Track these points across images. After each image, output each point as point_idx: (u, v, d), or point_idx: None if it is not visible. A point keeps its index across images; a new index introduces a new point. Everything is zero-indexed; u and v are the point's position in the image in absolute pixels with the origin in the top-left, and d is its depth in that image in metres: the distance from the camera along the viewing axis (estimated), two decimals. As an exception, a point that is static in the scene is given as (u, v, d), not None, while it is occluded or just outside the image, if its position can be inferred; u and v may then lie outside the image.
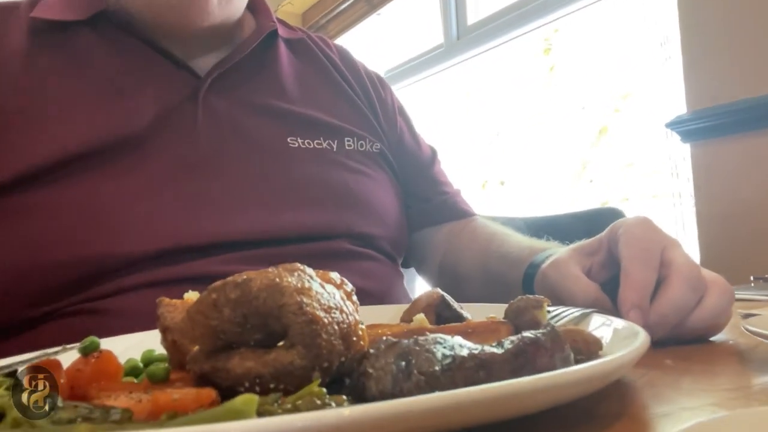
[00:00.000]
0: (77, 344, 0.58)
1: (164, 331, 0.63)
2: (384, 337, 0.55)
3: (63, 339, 1.08)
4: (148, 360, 0.69)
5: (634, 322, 0.82)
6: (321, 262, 1.29)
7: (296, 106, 1.36)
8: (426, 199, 1.55)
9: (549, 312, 0.79)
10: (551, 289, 0.99)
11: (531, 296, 0.77)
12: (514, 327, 0.75)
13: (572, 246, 1.04)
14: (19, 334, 1.04)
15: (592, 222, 2.27)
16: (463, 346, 0.52)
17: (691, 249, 2.32)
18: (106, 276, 1.04)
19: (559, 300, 0.97)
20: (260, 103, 1.31)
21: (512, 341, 0.51)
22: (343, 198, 1.31)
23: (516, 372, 0.49)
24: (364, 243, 1.31)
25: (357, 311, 0.63)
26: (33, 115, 1.12)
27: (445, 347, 0.51)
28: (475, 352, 0.49)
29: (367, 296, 1.26)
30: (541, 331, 0.52)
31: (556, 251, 1.16)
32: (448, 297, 0.86)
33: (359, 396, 0.49)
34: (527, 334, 0.52)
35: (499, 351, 0.49)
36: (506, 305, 0.98)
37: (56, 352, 0.61)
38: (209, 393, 0.48)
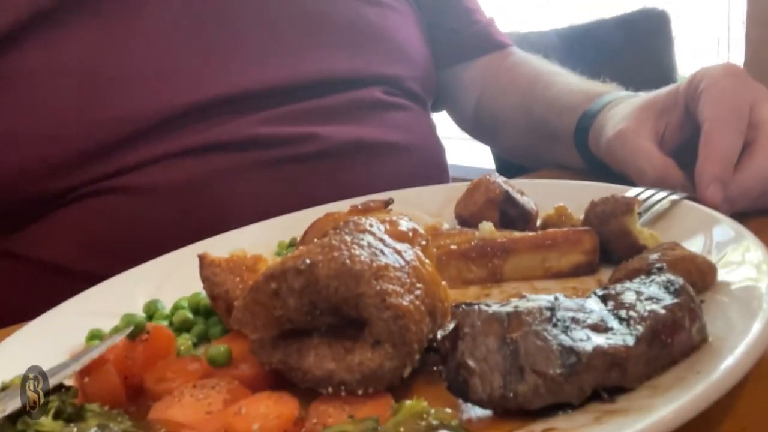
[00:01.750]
0: (123, 331, 0.50)
1: (214, 299, 0.55)
2: (476, 307, 0.47)
3: (89, 222, 1.03)
4: (197, 308, 0.63)
5: (712, 198, 0.73)
6: (354, 115, 1.19)
7: None
8: (455, 30, 1.35)
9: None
10: (617, 164, 0.88)
11: (619, 198, 0.66)
12: (599, 235, 0.66)
13: (642, 103, 0.89)
14: (44, 215, 0.97)
15: (634, 28, 2.03)
16: (580, 324, 0.43)
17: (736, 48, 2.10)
18: (126, 144, 0.94)
19: (626, 176, 0.86)
20: None
21: (639, 317, 0.43)
22: (368, 37, 1.15)
23: (651, 362, 0.41)
24: (395, 88, 1.19)
25: (434, 260, 0.54)
26: None
27: (557, 327, 0.43)
28: (604, 346, 0.40)
29: (402, 151, 1.16)
30: (674, 301, 0.44)
31: (615, 97, 1.02)
32: (512, 192, 0.75)
33: (464, 395, 0.42)
34: (654, 306, 0.43)
35: (630, 341, 0.41)
36: (572, 183, 0.89)
37: (109, 337, 0.53)
38: (291, 410, 0.42)
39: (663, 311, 0.43)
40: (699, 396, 0.36)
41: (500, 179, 0.79)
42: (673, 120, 0.85)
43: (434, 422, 0.39)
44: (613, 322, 0.44)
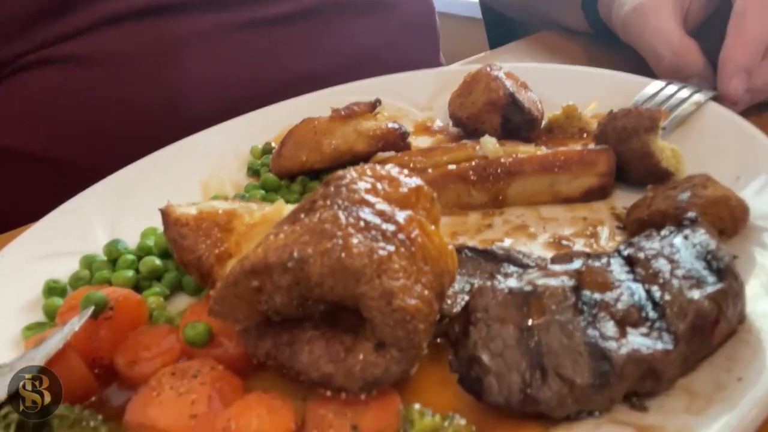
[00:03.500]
0: (83, 313, 0.43)
1: (186, 266, 0.48)
2: (489, 284, 0.41)
3: (30, 97, 0.90)
4: (166, 250, 0.56)
5: (734, 91, 0.65)
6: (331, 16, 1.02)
7: None
8: None
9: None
10: (632, 42, 0.76)
11: (643, 112, 0.57)
12: (617, 154, 0.59)
13: None
14: None
15: None
16: (609, 311, 0.38)
17: None
18: (71, 5, 0.81)
19: (640, 54, 0.76)
20: None
21: (679, 310, 0.37)
22: None
23: (688, 361, 0.37)
24: None
25: (439, 220, 0.46)
26: None
27: (584, 315, 0.38)
28: (642, 351, 0.36)
29: (388, 8, 1.02)
30: (718, 287, 0.38)
31: None
32: (517, 95, 0.65)
33: (477, 394, 0.38)
34: (696, 294, 0.38)
35: (669, 344, 0.36)
36: (583, 71, 0.78)
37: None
38: (286, 424, 0.37)
39: (707, 303, 0.37)
40: (746, 416, 0.32)
41: (502, 74, 0.69)
42: None
43: (453, 442, 0.35)
44: (648, 308, 0.39)
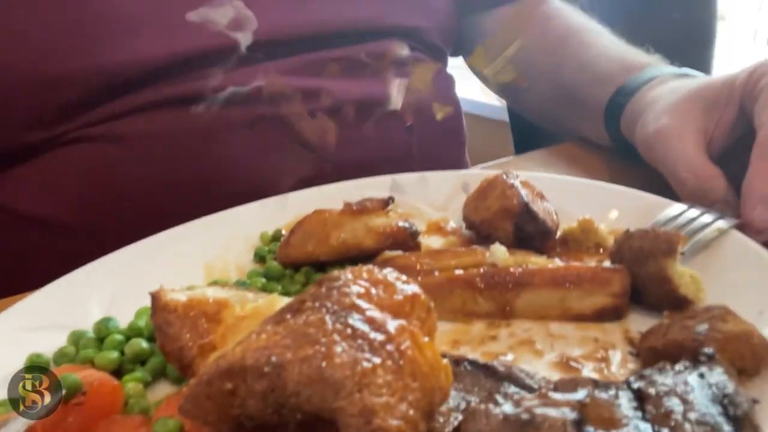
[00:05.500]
0: (55, 396, 0.41)
1: (166, 354, 0.46)
2: (483, 407, 0.38)
3: (63, 170, 0.95)
4: (152, 335, 0.54)
5: (759, 222, 0.62)
6: (367, 70, 1.06)
7: None
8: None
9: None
10: (654, 162, 0.76)
11: (660, 235, 0.56)
12: (631, 275, 0.56)
13: (690, 92, 0.75)
14: (18, 163, 0.90)
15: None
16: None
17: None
18: (117, 92, 0.86)
19: (662, 175, 0.75)
20: None
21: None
22: None
23: None
24: (414, 41, 1.06)
25: (434, 332, 0.44)
26: None
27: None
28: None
29: (417, 112, 1.05)
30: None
31: (658, 73, 0.88)
32: (531, 204, 0.64)
33: None
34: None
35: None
36: (602, 186, 0.77)
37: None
38: None
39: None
40: None
41: (518, 182, 0.68)
42: (726, 117, 0.73)
43: None
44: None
